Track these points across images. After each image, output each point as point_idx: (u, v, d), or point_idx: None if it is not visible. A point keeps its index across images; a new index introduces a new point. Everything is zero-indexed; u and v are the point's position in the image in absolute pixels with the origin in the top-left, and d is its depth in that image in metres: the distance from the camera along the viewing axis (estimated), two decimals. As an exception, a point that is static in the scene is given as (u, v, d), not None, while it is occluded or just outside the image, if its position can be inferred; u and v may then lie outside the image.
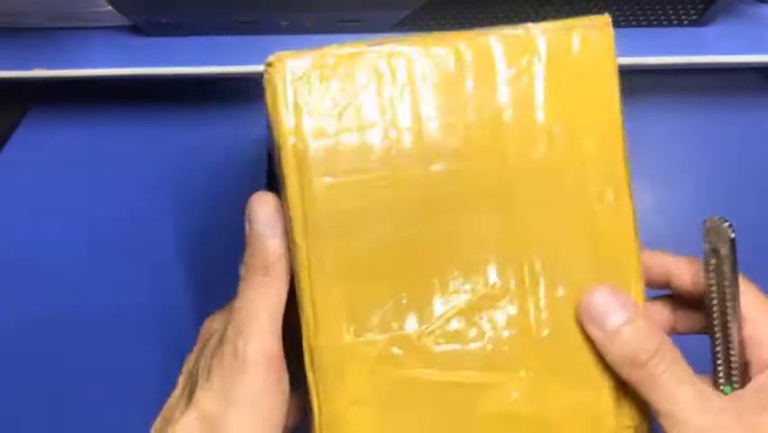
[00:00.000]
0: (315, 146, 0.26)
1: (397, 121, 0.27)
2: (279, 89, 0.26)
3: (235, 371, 0.25)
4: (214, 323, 0.29)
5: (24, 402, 0.43)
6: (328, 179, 0.27)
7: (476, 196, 0.28)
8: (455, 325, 0.27)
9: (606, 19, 0.28)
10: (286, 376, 0.26)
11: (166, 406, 0.28)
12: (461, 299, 0.28)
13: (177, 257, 0.43)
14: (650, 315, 0.29)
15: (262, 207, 0.26)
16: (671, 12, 0.36)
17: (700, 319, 0.28)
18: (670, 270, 0.29)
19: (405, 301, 0.27)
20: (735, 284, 0.26)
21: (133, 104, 0.44)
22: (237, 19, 0.36)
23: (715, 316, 0.27)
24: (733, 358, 0.26)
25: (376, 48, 0.27)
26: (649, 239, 0.44)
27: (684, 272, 0.28)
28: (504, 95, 0.28)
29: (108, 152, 0.44)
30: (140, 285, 0.43)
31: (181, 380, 0.28)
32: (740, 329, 0.26)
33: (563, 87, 0.28)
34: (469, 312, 0.27)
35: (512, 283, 0.28)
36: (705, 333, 0.28)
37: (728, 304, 0.26)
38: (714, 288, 0.26)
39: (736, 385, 0.26)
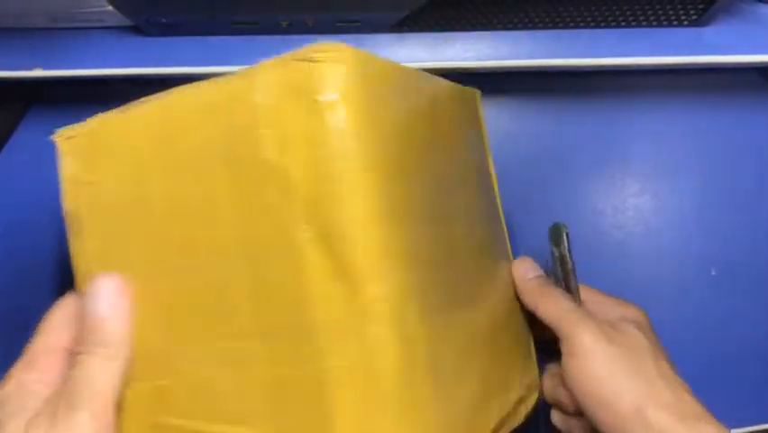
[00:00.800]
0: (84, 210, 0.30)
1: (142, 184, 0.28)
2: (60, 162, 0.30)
3: (65, 423, 0.24)
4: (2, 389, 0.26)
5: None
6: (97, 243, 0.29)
7: (220, 245, 0.26)
8: (206, 375, 0.26)
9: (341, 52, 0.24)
10: None
11: None
12: (213, 350, 0.26)
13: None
14: None
15: (105, 286, 0.27)
16: (671, 12, 0.36)
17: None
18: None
19: (163, 350, 0.27)
20: (573, 264, 0.35)
21: (133, 104, 0.44)
22: (237, 19, 0.36)
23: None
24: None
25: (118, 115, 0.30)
26: (650, 239, 0.44)
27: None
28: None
29: (108, 152, 0.44)
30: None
31: None
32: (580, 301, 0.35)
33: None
34: (217, 363, 0.26)
35: (260, 336, 0.25)
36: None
37: (571, 281, 0.35)
38: (560, 272, 0.36)
39: None
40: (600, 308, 0.34)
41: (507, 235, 0.38)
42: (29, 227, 0.44)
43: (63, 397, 0.25)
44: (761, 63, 0.37)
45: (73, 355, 0.26)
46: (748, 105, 0.44)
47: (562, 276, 0.36)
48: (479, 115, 0.37)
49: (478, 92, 0.38)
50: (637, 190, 0.44)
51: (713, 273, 0.43)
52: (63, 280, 0.44)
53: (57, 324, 0.28)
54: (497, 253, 0.36)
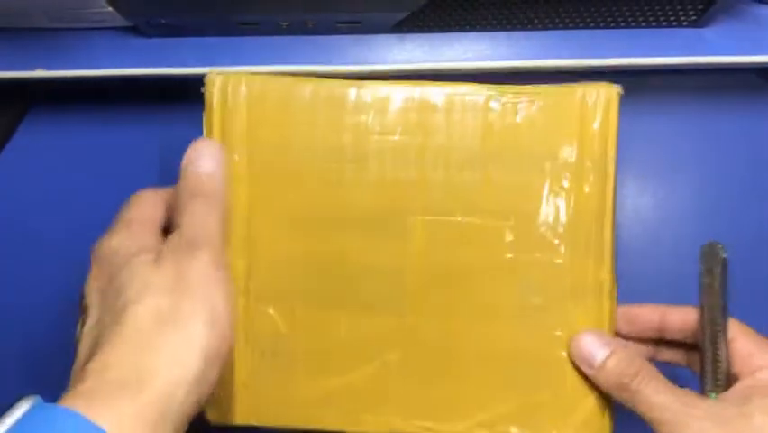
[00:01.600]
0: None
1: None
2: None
3: (185, 260, 0.27)
4: (112, 241, 0.29)
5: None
6: None
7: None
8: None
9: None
10: (232, 284, 0.28)
11: (79, 338, 0.27)
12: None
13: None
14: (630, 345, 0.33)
15: (207, 147, 0.30)
16: (670, 12, 0.36)
17: (682, 355, 0.33)
18: (665, 318, 0.32)
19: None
20: (725, 298, 0.30)
21: (134, 104, 0.44)
22: (237, 20, 0.36)
23: (706, 328, 0.30)
24: (720, 366, 0.29)
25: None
26: (649, 239, 0.44)
27: (677, 319, 0.31)
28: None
29: (109, 153, 0.44)
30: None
31: (90, 305, 0.28)
32: (727, 340, 0.29)
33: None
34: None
35: None
36: (684, 365, 0.32)
37: (718, 316, 0.29)
38: (706, 303, 0.30)
39: (720, 390, 0.29)
40: (748, 363, 0.29)
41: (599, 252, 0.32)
42: (29, 228, 0.44)
43: (182, 238, 0.27)
44: (760, 64, 0.37)
45: (177, 207, 0.29)
46: (748, 105, 0.44)
47: (706, 312, 0.30)
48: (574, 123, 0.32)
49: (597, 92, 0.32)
50: (637, 190, 0.44)
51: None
52: (64, 279, 0.44)
53: (148, 199, 0.31)
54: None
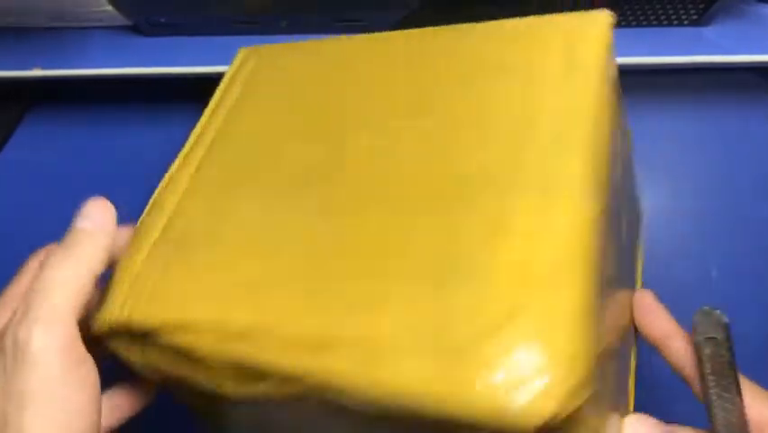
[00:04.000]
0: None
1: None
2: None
3: (18, 364, 0.21)
4: None
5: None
6: None
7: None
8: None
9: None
10: (91, 361, 0.22)
11: None
12: None
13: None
14: None
15: (96, 207, 0.26)
16: (671, 12, 0.36)
17: None
18: (666, 336, 0.28)
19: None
20: (734, 367, 0.26)
21: (133, 103, 0.44)
22: (237, 19, 0.36)
23: (715, 403, 0.25)
24: None
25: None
26: (649, 239, 0.44)
27: (676, 346, 0.27)
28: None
29: (108, 152, 0.44)
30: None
31: None
32: (743, 412, 0.25)
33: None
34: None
35: None
36: None
37: (729, 388, 0.25)
38: (711, 375, 0.26)
39: None
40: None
41: None
42: (28, 227, 0.44)
43: (21, 312, 0.23)
44: (761, 63, 0.37)
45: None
46: (748, 105, 0.44)
47: (715, 380, 0.26)
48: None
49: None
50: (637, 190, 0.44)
51: (713, 274, 0.43)
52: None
53: (33, 271, 0.26)
54: None
